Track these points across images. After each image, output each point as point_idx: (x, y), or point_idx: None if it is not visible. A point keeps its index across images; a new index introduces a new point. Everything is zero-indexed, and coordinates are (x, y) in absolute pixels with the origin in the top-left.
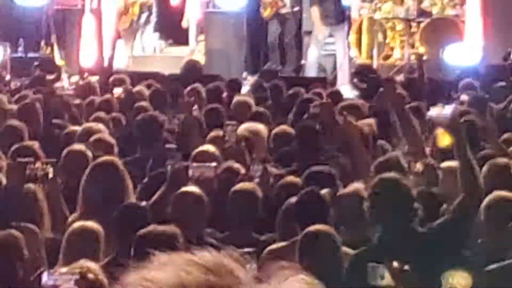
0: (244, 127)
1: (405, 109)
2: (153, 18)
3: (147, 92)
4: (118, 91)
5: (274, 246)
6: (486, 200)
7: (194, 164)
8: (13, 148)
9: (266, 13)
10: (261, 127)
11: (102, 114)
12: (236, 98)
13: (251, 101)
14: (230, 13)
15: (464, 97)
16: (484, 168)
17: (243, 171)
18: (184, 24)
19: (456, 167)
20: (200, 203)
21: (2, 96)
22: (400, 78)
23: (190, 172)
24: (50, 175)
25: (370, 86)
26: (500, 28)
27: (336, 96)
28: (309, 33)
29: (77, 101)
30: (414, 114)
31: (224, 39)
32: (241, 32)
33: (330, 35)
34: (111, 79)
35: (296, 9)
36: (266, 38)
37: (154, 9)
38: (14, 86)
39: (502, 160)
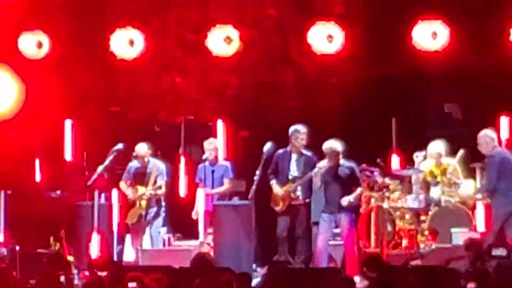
0: None
1: None
2: (162, 212)
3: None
4: (132, 285)
5: None
6: None
7: None
8: None
9: (278, 207)
10: None
11: None
12: None
13: None
14: (239, 206)
15: (471, 285)
16: None
17: None
18: (193, 216)
19: None
20: None
21: None
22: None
23: None
24: None
25: (380, 275)
26: None
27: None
28: (317, 223)
29: None
30: None
31: (233, 231)
32: (249, 224)
33: (337, 227)
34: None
35: (307, 200)
36: (275, 230)
37: (163, 203)
38: (30, 285)
39: None
